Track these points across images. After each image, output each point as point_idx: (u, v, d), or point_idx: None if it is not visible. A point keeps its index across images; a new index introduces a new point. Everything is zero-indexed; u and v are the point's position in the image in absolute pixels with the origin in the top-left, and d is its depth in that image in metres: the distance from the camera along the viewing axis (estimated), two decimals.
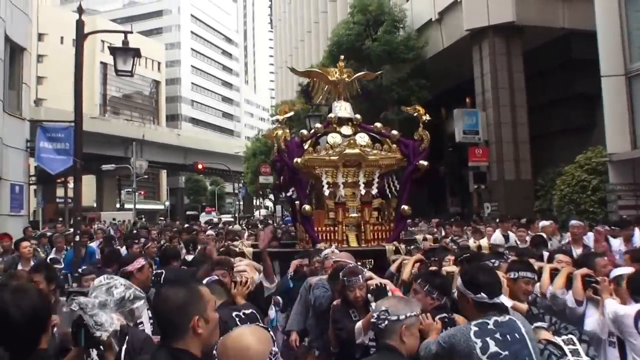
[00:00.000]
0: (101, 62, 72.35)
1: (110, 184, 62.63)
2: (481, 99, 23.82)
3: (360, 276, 4.90)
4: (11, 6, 16.72)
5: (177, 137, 68.40)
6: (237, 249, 7.86)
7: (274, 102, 43.44)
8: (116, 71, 13.72)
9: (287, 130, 8.13)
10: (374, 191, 7.95)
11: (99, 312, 2.91)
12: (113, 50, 13.04)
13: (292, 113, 8.76)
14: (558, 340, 3.67)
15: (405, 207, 7.86)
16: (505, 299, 3.75)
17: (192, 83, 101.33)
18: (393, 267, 6.48)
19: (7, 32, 16.16)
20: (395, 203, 8.14)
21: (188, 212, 63.33)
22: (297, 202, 8.45)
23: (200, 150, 66.70)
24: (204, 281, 4.60)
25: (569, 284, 5.23)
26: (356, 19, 27.95)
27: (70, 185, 43.19)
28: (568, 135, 23.21)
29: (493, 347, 3.34)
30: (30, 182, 31.30)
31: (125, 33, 13.54)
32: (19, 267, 8.15)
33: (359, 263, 6.83)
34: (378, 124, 8.48)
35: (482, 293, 3.52)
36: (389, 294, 4.75)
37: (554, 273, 5.52)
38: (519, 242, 10.47)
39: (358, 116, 8.45)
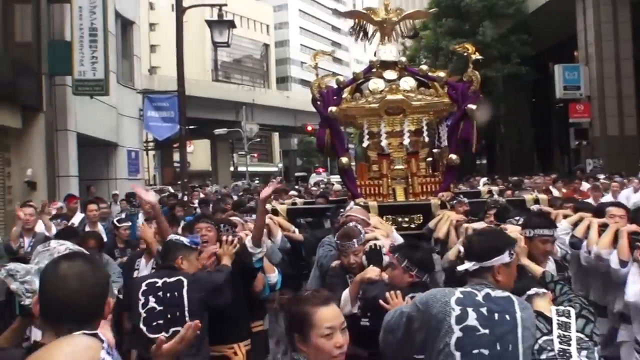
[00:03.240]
0: (207, 23, 73.90)
1: (224, 148, 64.76)
2: (584, 53, 23.15)
3: (355, 240, 4.45)
4: None
5: (287, 99, 69.48)
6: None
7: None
8: (213, 43, 14.50)
9: (323, 78, 7.41)
10: (426, 139, 7.27)
11: (32, 279, 2.61)
12: (209, 23, 13.82)
13: (324, 58, 8.12)
14: (553, 310, 3.25)
15: (453, 156, 7.01)
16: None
17: (301, 44, 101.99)
18: (432, 223, 6.03)
19: (116, 8, 17.18)
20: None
21: (296, 174, 64.44)
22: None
23: (310, 112, 66.85)
24: None
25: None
26: None
27: (189, 149, 45.34)
28: None
29: (472, 320, 2.88)
30: (149, 147, 33.39)
31: (220, 6, 14.26)
32: (87, 229, 8.31)
33: (406, 219, 6.72)
34: (424, 67, 7.72)
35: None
36: (385, 257, 4.34)
37: (602, 229, 4.91)
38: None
39: (403, 59, 7.73)
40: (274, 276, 5.02)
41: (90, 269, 2.02)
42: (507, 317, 2.90)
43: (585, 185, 13.16)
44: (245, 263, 4.58)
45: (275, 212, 6.92)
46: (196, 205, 12.57)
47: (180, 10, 13.52)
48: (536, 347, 3.09)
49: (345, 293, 4.17)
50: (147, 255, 5.70)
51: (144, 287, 4.11)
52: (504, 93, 25.64)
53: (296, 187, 25.80)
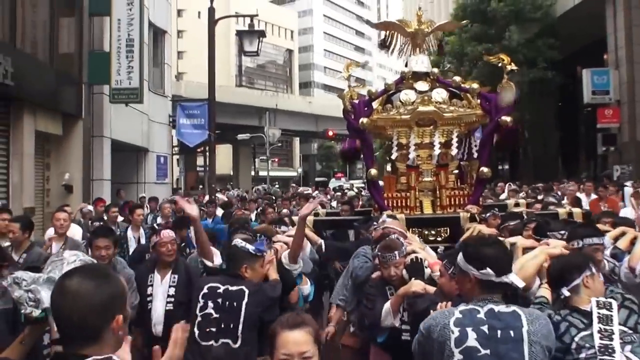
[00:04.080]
0: (236, 33, 75.21)
1: (246, 153, 65.45)
2: (614, 57, 22.70)
3: (396, 252, 4.38)
4: None
5: (309, 104, 69.90)
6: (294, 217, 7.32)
7: None
8: (243, 52, 15.03)
9: (355, 89, 7.29)
10: (454, 152, 7.08)
11: (38, 288, 2.62)
12: (239, 33, 14.37)
13: (357, 69, 8.03)
14: (593, 302, 3.07)
15: (485, 169, 6.93)
16: (516, 279, 3.00)
17: (325, 50, 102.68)
18: (464, 238, 5.63)
19: (150, 18, 17.76)
20: (477, 165, 7.24)
21: (317, 179, 64.82)
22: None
23: (332, 117, 67.34)
24: None
25: None
26: None
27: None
28: None
29: (471, 341, 2.76)
30: (173, 152, 34.15)
31: (252, 17, 14.81)
32: (129, 232, 8.91)
33: (432, 231, 6.62)
34: (457, 78, 7.49)
35: (487, 268, 2.90)
36: (427, 270, 4.36)
37: None
38: None
39: (435, 70, 7.56)
40: (307, 288, 4.95)
41: (87, 287, 1.97)
42: (512, 333, 2.75)
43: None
44: (285, 279, 4.45)
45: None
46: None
47: (212, 22, 14.03)
48: (573, 345, 2.98)
49: (387, 305, 4.18)
50: (163, 269, 5.46)
51: (205, 290, 4.09)
52: (528, 98, 25.40)
53: (316, 193, 25.78)
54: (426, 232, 6.59)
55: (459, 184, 7.44)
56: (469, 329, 2.77)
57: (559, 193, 13.29)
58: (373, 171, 7.06)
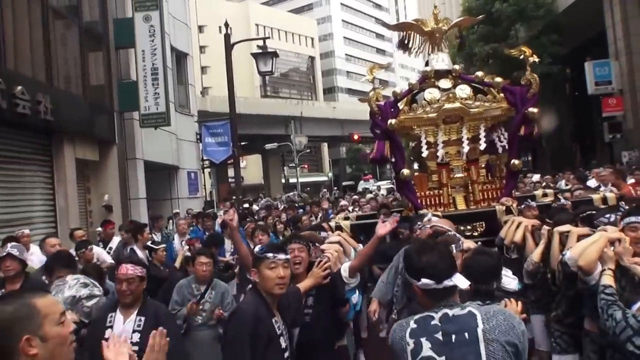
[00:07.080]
0: (257, 46, 76.67)
1: (275, 161, 66.66)
2: (614, 48, 23.48)
3: (453, 246, 4.15)
4: (173, 20, 19.58)
5: (333, 110, 70.84)
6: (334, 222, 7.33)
7: None
8: (259, 72, 16.08)
9: (379, 91, 7.25)
10: (482, 146, 7.03)
11: None
12: (254, 56, 15.42)
13: (381, 71, 8.19)
14: None
15: (516, 161, 6.89)
16: (460, 280, 2.79)
17: (346, 54, 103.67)
18: (503, 232, 5.67)
19: (172, 43, 18.89)
20: (506, 158, 7.24)
21: (344, 183, 65.19)
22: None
23: (357, 121, 67.95)
24: None
25: None
26: None
27: (242, 164, 46.95)
28: None
29: (427, 351, 2.65)
30: (204, 166, 35.29)
31: (264, 39, 15.85)
32: (139, 253, 8.46)
33: (468, 227, 6.55)
34: (479, 73, 7.43)
35: (424, 279, 2.73)
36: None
37: None
38: None
39: (457, 67, 7.55)
40: (356, 297, 4.71)
41: None
42: (466, 335, 2.64)
43: None
44: (338, 291, 4.37)
45: (339, 228, 6.88)
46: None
47: (229, 47, 15.03)
48: None
49: None
50: (127, 308, 4.32)
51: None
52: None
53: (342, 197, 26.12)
54: (462, 228, 6.42)
55: (489, 177, 7.49)
56: (423, 339, 2.67)
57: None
58: (406, 171, 7.02)
